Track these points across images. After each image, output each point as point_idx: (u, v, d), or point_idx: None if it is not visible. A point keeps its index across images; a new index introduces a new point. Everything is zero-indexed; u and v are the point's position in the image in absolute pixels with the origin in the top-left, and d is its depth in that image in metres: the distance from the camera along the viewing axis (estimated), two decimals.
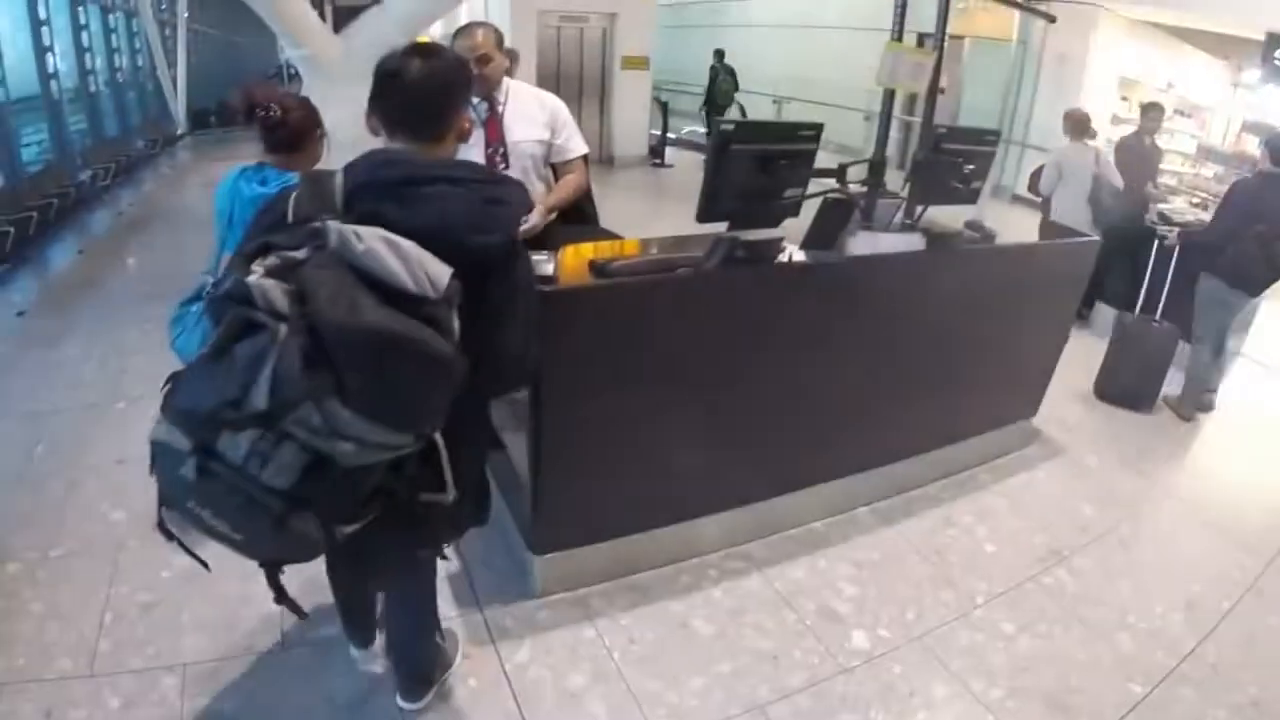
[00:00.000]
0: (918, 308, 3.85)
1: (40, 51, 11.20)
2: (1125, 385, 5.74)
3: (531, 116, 3.78)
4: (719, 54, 15.70)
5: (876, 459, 4.12)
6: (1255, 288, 5.44)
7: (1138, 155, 7.52)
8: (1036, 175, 7.61)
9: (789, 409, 3.62)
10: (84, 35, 13.35)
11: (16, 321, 6.79)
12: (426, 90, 2.02)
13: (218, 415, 1.62)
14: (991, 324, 4.23)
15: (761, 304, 3.35)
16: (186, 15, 19.97)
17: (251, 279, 1.65)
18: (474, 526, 2.39)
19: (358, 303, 1.61)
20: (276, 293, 1.62)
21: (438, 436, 1.85)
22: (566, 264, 3.24)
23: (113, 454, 4.44)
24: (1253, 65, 12.38)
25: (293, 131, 3.07)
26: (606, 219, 4.44)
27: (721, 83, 15.46)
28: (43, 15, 11.14)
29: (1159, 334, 5.68)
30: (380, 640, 2.93)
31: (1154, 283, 6.27)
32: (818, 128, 3.32)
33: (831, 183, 3.66)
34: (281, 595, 1.95)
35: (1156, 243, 6.30)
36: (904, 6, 4.00)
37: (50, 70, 11.39)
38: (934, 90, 4.06)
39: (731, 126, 3.16)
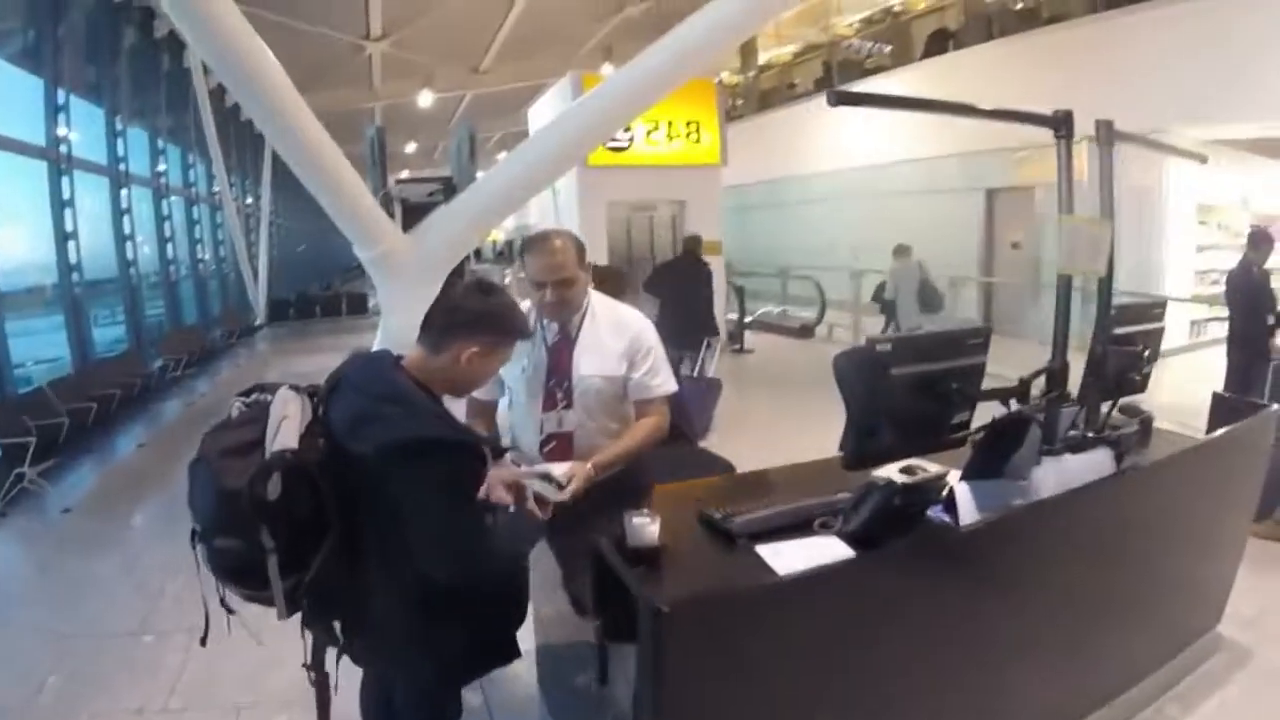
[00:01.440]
0: (1104, 540, 3.08)
1: (120, 240, 11.24)
2: None
3: (605, 347, 3.01)
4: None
5: None
6: None
7: (1249, 289, 6.75)
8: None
9: (951, 683, 2.73)
10: (166, 226, 13.52)
11: (60, 519, 6.37)
12: (448, 312, 2.31)
13: None
14: (1175, 535, 3.50)
15: (928, 576, 2.54)
16: (271, 210, 20.48)
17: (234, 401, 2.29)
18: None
19: (223, 429, 2.17)
20: (234, 409, 2.25)
21: (271, 557, 2.03)
22: (667, 516, 2.44)
23: (133, 700, 3.80)
24: None
25: None
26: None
27: None
28: (125, 205, 11.23)
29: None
30: None
31: None
32: (985, 332, 2.62)
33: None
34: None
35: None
36: (1069, 164, 3.33)
37: (129, 258, 11.40)
38: (1111, 267, 3.34)
39: (889, 346, 2.40)
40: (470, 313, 2.27)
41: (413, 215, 9.34)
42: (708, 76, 13.62)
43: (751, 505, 2.62)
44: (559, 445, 3.00)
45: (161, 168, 14.01)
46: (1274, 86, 9.91)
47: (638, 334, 3.03)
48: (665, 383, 3.06)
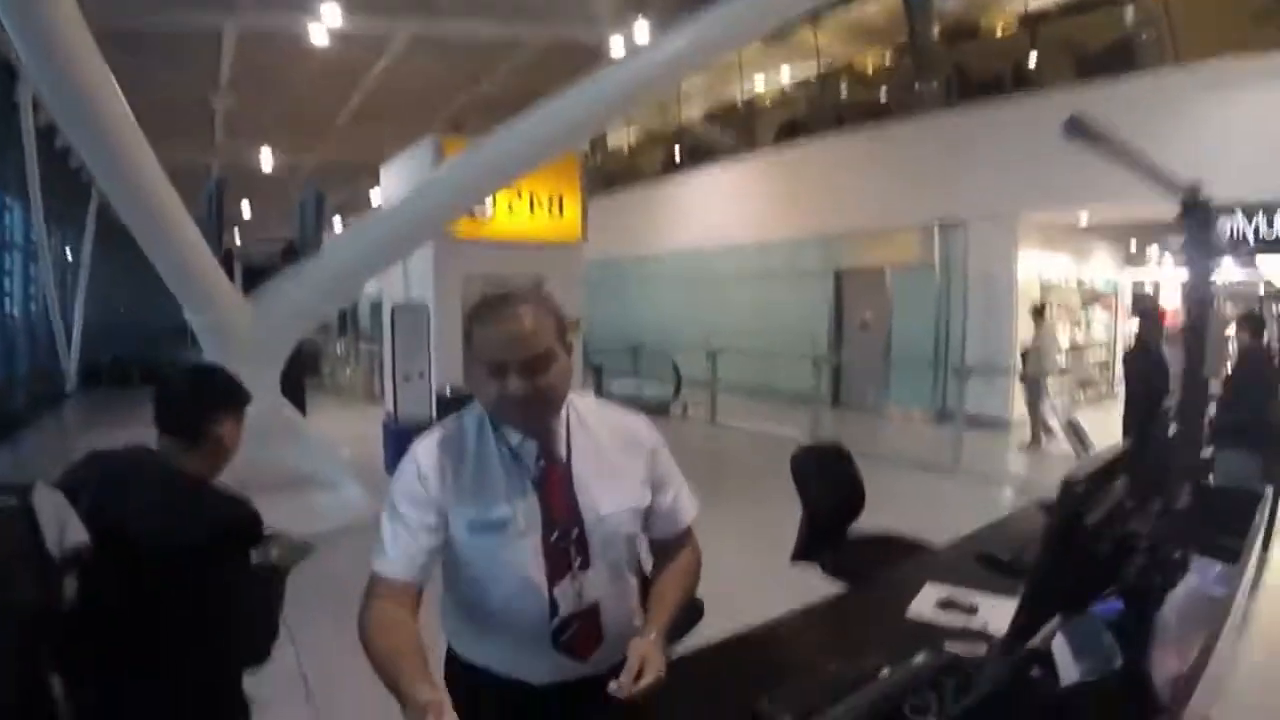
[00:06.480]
0: None
1: None
2: None
3: (619, 468, 1.82)
4: None
5: None
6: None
7: (1150, 366, 6.89)
8: None
9: None
10: None
11: None
12: (191, 398, 2.11)
13: None
14: None
15: None
16: (90, 262, 18.50)
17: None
18: None
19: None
20: None
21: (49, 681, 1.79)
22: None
23: None
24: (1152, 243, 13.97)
25: None
26: None
27: None
28: None
29: None
30: None
31: None
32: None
33: None
34: None
35: None
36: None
37: None
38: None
39: (1082, 485, 1.59)
40: (215, 390, 2.19)
41: (253, 278, 8.00)
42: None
43: (794, 689, 1.72)
44: (583, 630, 1.77)
45: None
46: (1118, 172, 10.10)
47: (655, 444, 1.90)
48: (691, 502, 1.97)
